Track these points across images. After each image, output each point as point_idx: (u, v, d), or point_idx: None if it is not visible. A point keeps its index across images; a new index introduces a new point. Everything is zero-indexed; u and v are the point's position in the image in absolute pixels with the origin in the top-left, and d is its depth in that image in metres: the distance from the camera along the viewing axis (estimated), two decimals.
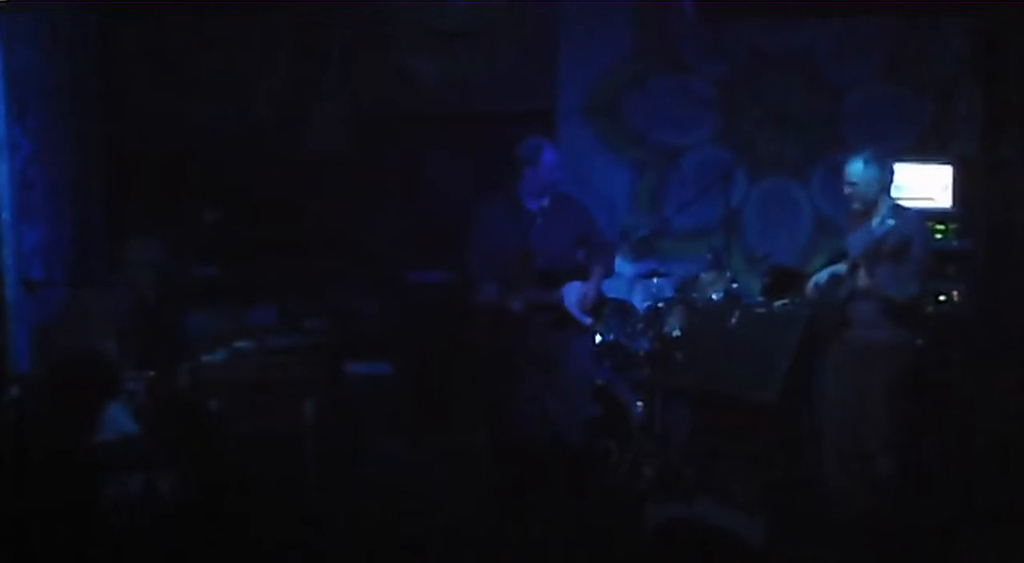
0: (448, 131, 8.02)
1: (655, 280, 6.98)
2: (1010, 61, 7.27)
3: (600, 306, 6.27)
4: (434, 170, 8.00)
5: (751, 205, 7.78)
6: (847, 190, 5.68)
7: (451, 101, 7.95)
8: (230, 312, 6.47)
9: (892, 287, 5.53)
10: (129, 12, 7.72)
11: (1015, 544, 4.86)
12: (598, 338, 6.62)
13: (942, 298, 6.87)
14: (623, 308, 6.91)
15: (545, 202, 6.03)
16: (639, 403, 6.59)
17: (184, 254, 6.55)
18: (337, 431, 6.14)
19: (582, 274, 6.07)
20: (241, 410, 5.54)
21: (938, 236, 6.88)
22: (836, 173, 6.32)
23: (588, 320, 6.08)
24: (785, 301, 6.52)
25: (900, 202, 5.81)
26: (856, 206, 5.68)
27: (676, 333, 6.66)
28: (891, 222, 5.45)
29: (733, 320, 6.27)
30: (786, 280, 6.84)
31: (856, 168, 5.62)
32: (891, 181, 5.71)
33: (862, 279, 5.55)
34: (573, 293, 6.01)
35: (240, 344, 5.94)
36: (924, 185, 6.98)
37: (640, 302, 6.96)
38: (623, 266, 6.99)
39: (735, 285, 6.86)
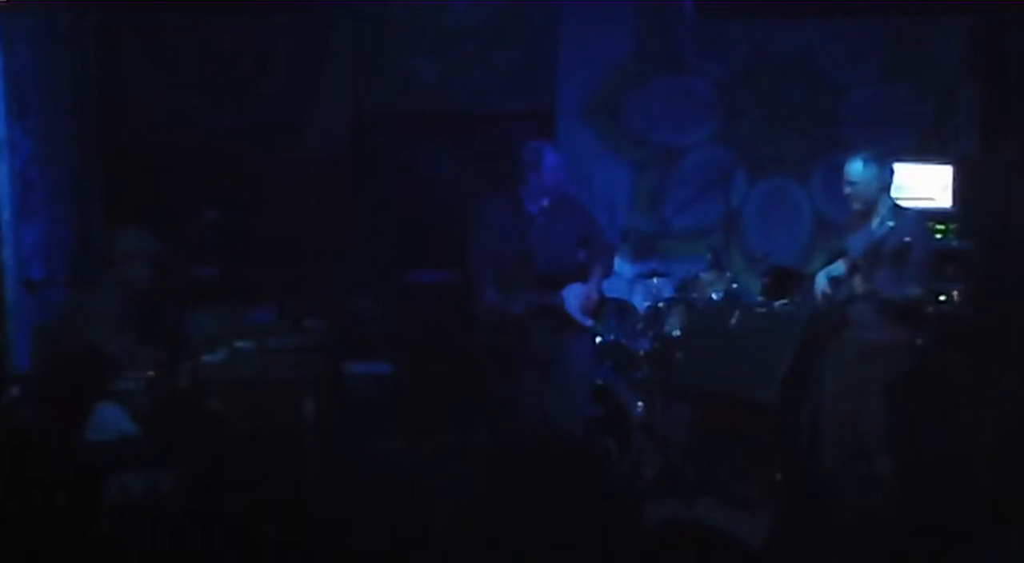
0: (448, 131, 8.02)
1: (655, 280, 6.98)
2: (1010, 61, 7.27)
3: (601, 307, 6.27)
4: (434, 170, 8.00)
5: (751, 205, 7.78)
6: (847, 190, 5.68)
7: (451, 101, 7.96)
8: (230, 312, 6.47)
9: (892, 289, 5.53)
10: (129, 12, 7.72)
11: (1016, 544, 4.85)
12: (598, 338, 6.62)
13: (942, 298, 6.86)
14: (623, 308, 6.91)
15: (546, 203, 6.03)
16: (639, 403, 6.59)
17: (184, 253, 6.55)
18: (337, 431, 6.14)
19: (583, 275, 6.08)
20: (241, 410, 5.54)
21: (938, 236, 6.88)
22: (836, 173, 6.31)
23: (589, 322, 6.09)
24: (785, 301, 6.52)
25: (900, 202, 5.80)
26: (856, 206, 5.68)
27: (676, 333, 6.66)
28: (891, 224, 5.45)
29: (733, 320, 6.27)
30: (786, 280, 6.83)
31: (856, 168, 5.61)
32: (891, 181, 5.71)
33: (862, 281, 5.55)
34: (574, 295, 6.02)
35: (240, 344, 5.94)
36: (924, 185, 6.98)
37: (640, 302, 6.96)
38: (623, 266, 6.99)
39: (735, 285, 6.87)
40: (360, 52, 7.98)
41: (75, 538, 4.30)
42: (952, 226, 6.99)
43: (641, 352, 6.71)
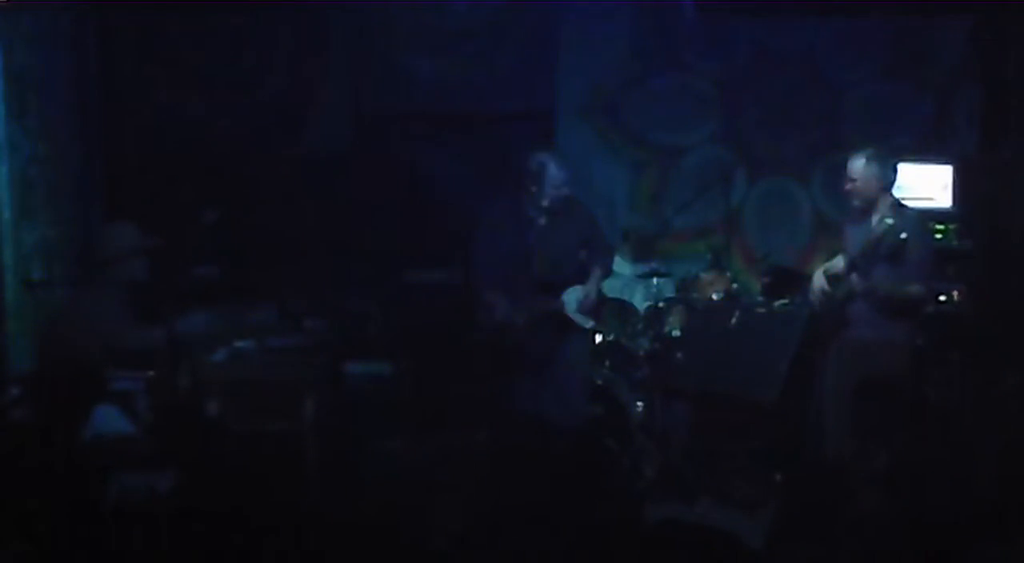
0: (448, 131, 8.02)
1: (655, 280, 6.98)
2: (1010, 61, 7.27)
3: (600, 307, 6.27)
4: (434, 170, 8.00)
5: (751, 205, 7.78)
6: (847, 186, 5.68)
7: (451, 101, 7.95)
8: (230, 312, 6.46)
9: (891, 287, 5.53)
10: (129, 12, 7.72)
11: (1016, 544, 4.86)
12: (598, 338, 6.63)
13: (942, 298, 6.86)
14: (623, 308, 6.91)
15: (546, 204, 6.02)
16: (639, 403, 6.59)
17: (184, 252, 6.55)
18: (337, 431, 6.13)
19: (584, 277, 6.08)
20: (241, 410, 5.53)
21: (938, 236, 6.88)
22: (836, 173, 6.32)
23: (590, 323, 6.08)
24: (785, 301, 6.52)
25: (901, 202, 5.81)
26: (855, 203, 5.68)
27: (676, 333, 6.66)
28: (890, 221, 5.45)
29: (733, 320, 6.27)
30: (786, 280, 6.84)
31: (857, 165, 5.61)
32: (893, 180, 5.71)
33: (860, 278, 5.55)
34: (574, 297, 6.02)
35: (240, 344, 5.94)
36: (924, 185, 6.98)
37: (640, 302, 6.97)
38: (623, 266, 6.99)
39: (735, 285, 6.87)
40: (360, 52, 7.98)
41: (75, 538, 4.31)
42: (952, 226, 6.99)
43: (641, 352, 6.71)
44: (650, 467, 6.34)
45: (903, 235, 5.35)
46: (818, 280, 5.88)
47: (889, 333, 5.61)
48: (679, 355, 6.56)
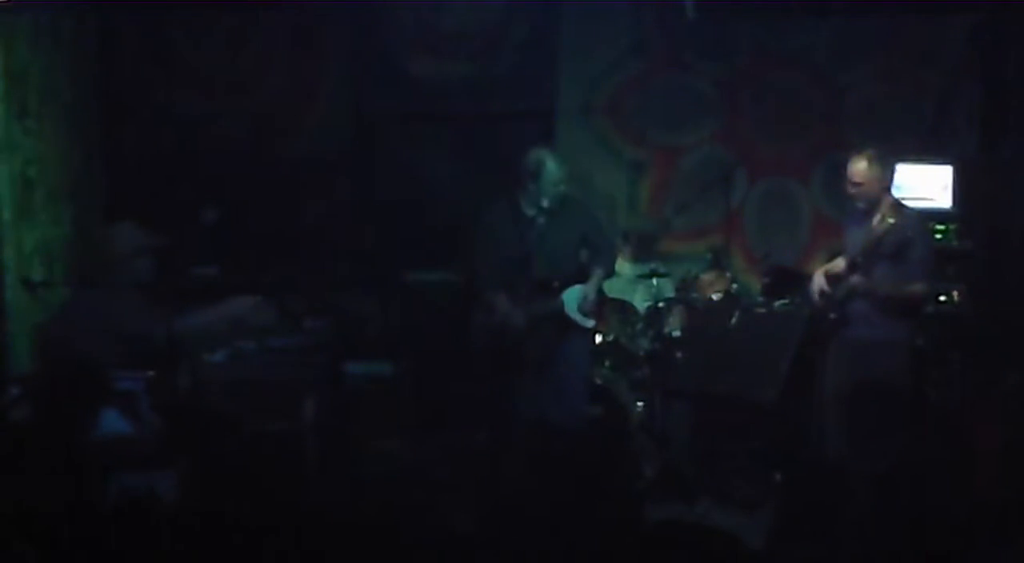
0: (448, 131, 8.02)
1: (655, 280, 6.98)
2: (1010, 61, 7.26)
3: (600, 307, 6.26)
4: (433, 170, 8.00)
5: (751, 205, 7.77)
6: (852, 190, 5.67)
7: (451, 101, 7.95)
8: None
9: (892, 286, 5.54)
10: (129, 12, 7.72)
11: (1016, 544, 4.86)
12: (598, 338, 6.63)
13: (942, 298, 6.87)
14: (623, 308, 6.91)
15: (545, 204, 6.02)
16: (639, 403, 6.59)
17: (184, 253, 6.55)
18: (337, 431, 6.14)
19: (583, 277, 6.07)
20: (241, 410, 5.53)
21: (938, 236, 6.88)
22: (836, 173, 6.32)
23: (590, 323, 6.08)
24: (785, 301, 6.52)
25: (901, 201, 5.81)
26: (861, 205, 5.67)
27: (676, 333, 6.66)
28: (891, 221, 5.45)
29: (733, 320, 6.28)
30: (786, 280, 6.83)
31: (860, 167, 5.61)
32: (892, 179, 5.72)
33: (861, 278, 5.56)
34: (574, 297, 6.02)
35: (240, 344, 5.94)
36: (924, 185, 6.97)
37: (640, 302, 6.96)
38: (623, 266, 6.99)
39: (735, 285, 6.87)
40: (360, 52, 7.98)
41: (75, 538, 4.30)
42: (952, 226, 6.99)
43: (641, 352, 6.71)
44: (650, 467, 6.34)
45: (909, 234, 5.36)
46: (818, 280, 5.88)
47: (889, 333, 5.61)
48: (679, 355, 6.57)
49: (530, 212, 6.01)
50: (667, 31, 7.78)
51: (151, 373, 5.10)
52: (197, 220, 7.43)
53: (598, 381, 6.49)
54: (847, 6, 7.39)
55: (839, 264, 5.90)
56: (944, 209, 7.01)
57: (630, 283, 7.10)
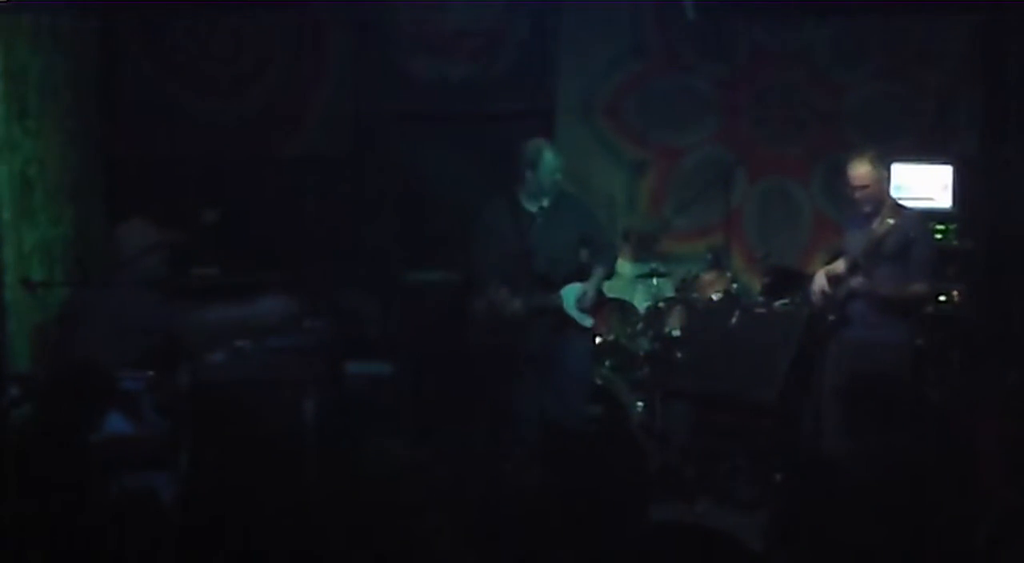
0: (448, 131, 8.01)
1: (655, 280, 6.98)
2: (1010, 61, 7.27)
3: (600, 307, 6.26)
4: (433, 170, 7.99)
5: (751, 205, 7.77)
6: (857, 194, 5.66)
7: (451, 101, 7.95)
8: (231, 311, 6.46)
9: (893, 287, 5.54)
10: (129, 12, 7.72)
11: (1017, 544, 4.85)
12: (598, 338, 6.63)
13: (942, 298, 6.87)
14: (623, 308, 6.92)
15: (545, 203, 6.03)
16: (639, 403, 6.59)
17: (184, 253, 6.54)
18: (337, 431, 6.13)
19: (583, 275, 6.08)
20: (241, 410, 5.53)
21: (938, 236, 6.88)
22: (836, 173, 6.31)
23: (588, 321, 6.08)
24: (785, 301, 6.52)
25: (901, 201, 5.81)
26: (867, 208, 5.67)
27: (676, 333, 6.66)
28: (891, 221, 5.46)
29: (733, 320, 6.28)
30: (786, 280, 6.83)
31: (865, 170, 5.60)
32: (890, 180, 5.73)
33: (862, 279, 5.56)
34: (572, 294, 6.02)
35: (240, 344, 5.93)
36: (924, 185, 6.97)
37: (640, 302, 6.97)
38: (623, 266, 6.99)
39: (735, 285, 6.87)
40: (360, 52, 7.98)
41: (75, 538, 4.30)
42: (952, 226, 6.99)
43: (641, 352, 6.71)
44: (650, 467, 6.34)
45: (910, 234, 5.36)
46: (818, 280, 5.88)
47: (889, 333, 5.62)
48: (679, 355, 6.57)
49: (530, 208, 6.02)
50: (667, 31, 7.78)
51: (150, 373, 5.10)
52: (197, 220, 7.42)
53: (598, 381, 6.49)
54: (847, 6, 7.39)
55: (839, 265, 5.91)
56: (944, 209, 7.01)
57: (630, 283, 7.10)
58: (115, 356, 4.91)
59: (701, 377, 6.27)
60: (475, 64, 7.94)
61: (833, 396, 5.79)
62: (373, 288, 7.52)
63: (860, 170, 5.61)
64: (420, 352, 7.17)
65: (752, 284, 7.28)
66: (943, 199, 7.02)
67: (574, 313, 6.02)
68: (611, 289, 6.67)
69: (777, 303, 6.52)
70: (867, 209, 5.66)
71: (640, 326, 6.81)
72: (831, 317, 5.73)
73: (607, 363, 6.74)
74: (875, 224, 5.58)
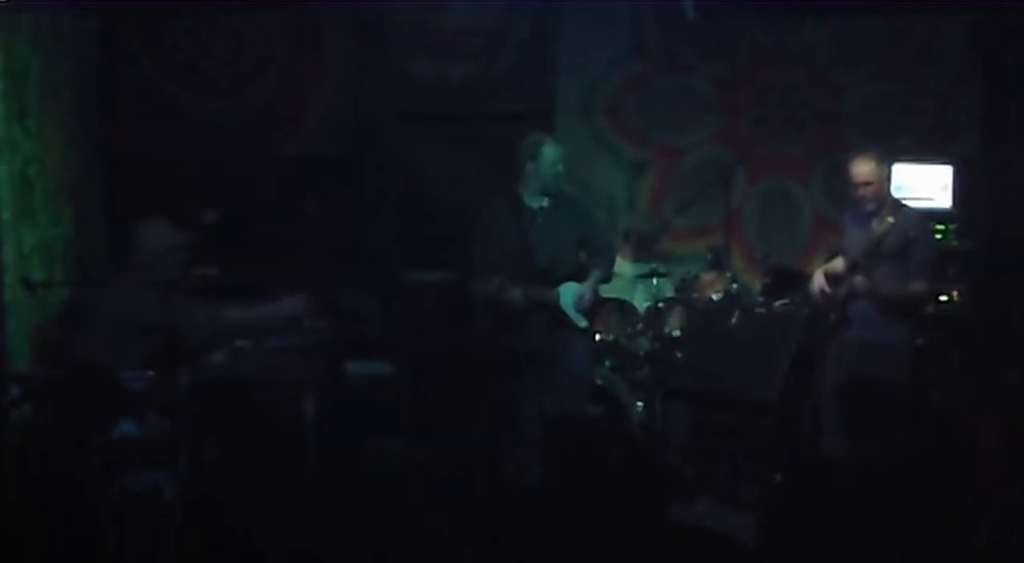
0: (448, 131, 8.02)
1: (655, 280, 6.98)
2: (1010, 61, 7.27)
3: (597, 308, 6.26)
4: (433, 170, 7.99)
5: (751, 205, 7.77)
6: (860, 192, 5.66)
7: (451, 101, 7.95)
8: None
9: (893, 286, 5.54)
10: (129, 12, 7.72)
11: (1016, 544, 4.86)
12: (597, 338, 6.63)
13: (942, 298, 6.87)
14: (623, 308, 6.92)
15: (546, 202, 6.03)
16: (639, 403, 6.59)
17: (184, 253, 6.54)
18: (337, 431, 6.13)
19: (582, 276, 6.07)
20: (241, 410, 5.53)
21: (938, 236, 6.88)
22: (836, 173, 6.32)
23: (584, 322, 6.08)
24: (785, 301, 6.52)
25: (901, 200, 5.82)
26: (870, 207, 5.67)
27: (676, 333, 6.67)
28: (891, 220, 5.46)
29: (733, 320, 6.28)
30: (786, 280, 6.84)
31: (868, 168, 5.61)
32: (891, 179, 5.74)
33: (862, 278, 5.56)
34: (570, 293, 6.02)
35: (240, 344, 5.93)
36: (924, 185, 6.98)
37: (640, 302, 6.97)
38: (623, 266, 6.99)
39: (735, 285, 6.87)
40: (360, 52, 7.98)
41: (75, 538, 4.31)
42: (952, 226, 6.99)
43: (641, 352, 6.71)
44: (650, 467, 6.34)
45: (911, 233, 5.36)
46: (818, 280, 5.89)
47: (889, 333, 5.62)
48: (679, 355, 6.57)
49: (531, 205, 6.02)
50: (667, 31, 7.78)
51: (150, 373, 5.10)
52: (197, 220, 7.42)
53: (598, 381, 6.49)
54: (847, 6, 7.40)
55: (839, 264, 5.91)
56: (944, 209, 7.01)
57: (630, 283, 7.09)
58: (119, 356, 4.92)
59: (701, 377, 6.27)
60: (475, 64, 7.95)
61: (833, 396, 5.79)
62: (373, 288, 7.51)
63: (864, 167, 5.61)
64: (420, 352, 7.17)
65: (752, 284, 7.28)
66: (943, 199, 7.03)
67: (570, 312, 6.02)
68: (611, 289, 6.67)
69: (777, 303, 6.52)
70: (869, 207, 5.67)
71: (640, 326, 6.81)
72: (831, 317, 5.73)
73: (607, 363, 6.73)
74: (875, 223, 5.59)
